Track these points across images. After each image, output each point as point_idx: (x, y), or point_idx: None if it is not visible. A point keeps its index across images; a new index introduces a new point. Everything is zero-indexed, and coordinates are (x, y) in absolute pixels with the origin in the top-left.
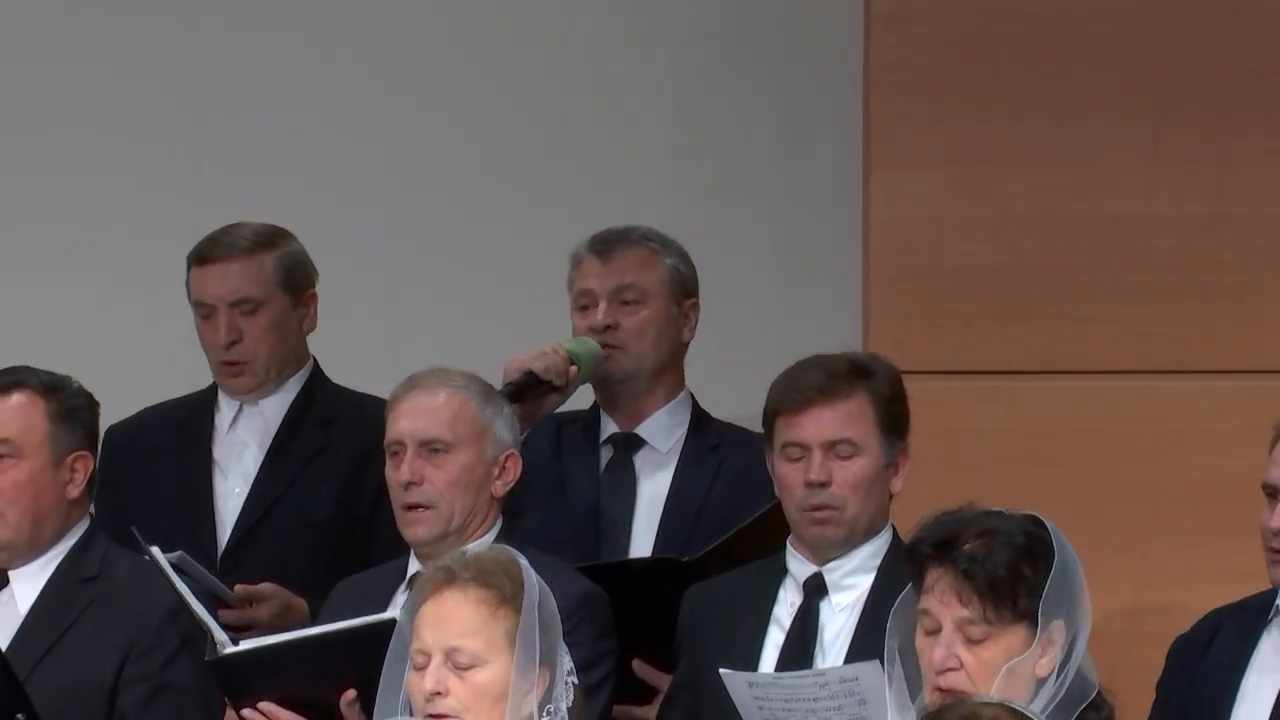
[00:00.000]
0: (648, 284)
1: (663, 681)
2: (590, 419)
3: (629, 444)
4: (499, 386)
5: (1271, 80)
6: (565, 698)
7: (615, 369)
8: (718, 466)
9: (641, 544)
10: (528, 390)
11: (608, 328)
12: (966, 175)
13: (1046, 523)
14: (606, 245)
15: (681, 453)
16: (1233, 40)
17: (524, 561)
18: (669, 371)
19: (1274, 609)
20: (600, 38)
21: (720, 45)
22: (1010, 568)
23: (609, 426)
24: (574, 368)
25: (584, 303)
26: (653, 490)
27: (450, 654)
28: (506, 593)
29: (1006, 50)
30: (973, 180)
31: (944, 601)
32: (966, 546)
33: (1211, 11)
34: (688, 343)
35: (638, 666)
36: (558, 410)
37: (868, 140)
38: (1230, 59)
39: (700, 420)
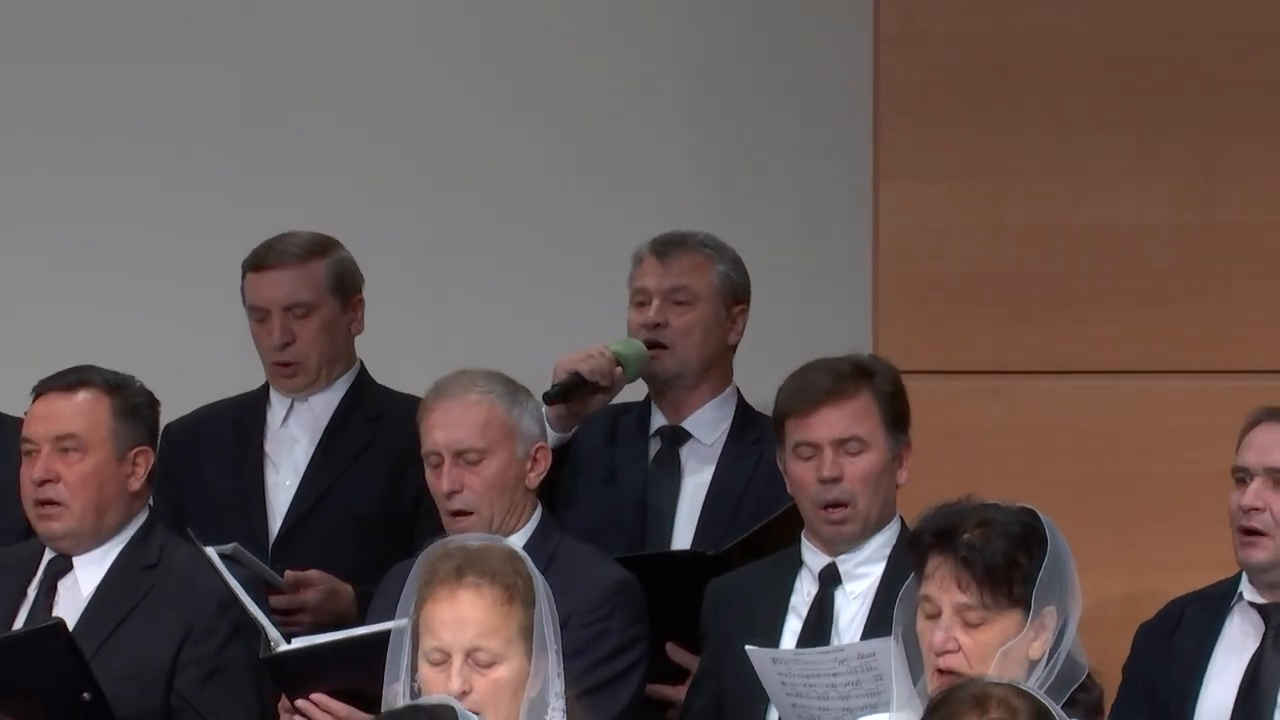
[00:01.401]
0: (699, 287)
1: (694, 664)
2: (643, 411)
3: (675, 437)
4: (544, 386)
5: (1257, 97)
6: (563, 677)
7: (660, 368)
8: (758, 459)
9: (684, 532)
10: (573, 390)
11: (657, 325)
12: (970, 187)
13: (1040, 514)
14: (665, 248)
15: (725, 446)
16: (1220, 60)
17: (525, 554)
18: (715, 370)
19: (1237, 595)
20: (628, 60)
21: (740, 66)
22: (1006, 556)
23: (658, 419)
24: (619, 369)
25: (639, 299)
26: (697, 481)
27: (471, 653)
28: (516, 589)
29: (1007, 69)
30: (976, 191)
31: (944, 587)
32: (965, 536)
33: (1201, 33)
34: (735, 345)
35: (671, 650)
36: (613, 402)
37: (877, 153)
38: (1218, 77)
39: (745, 416)
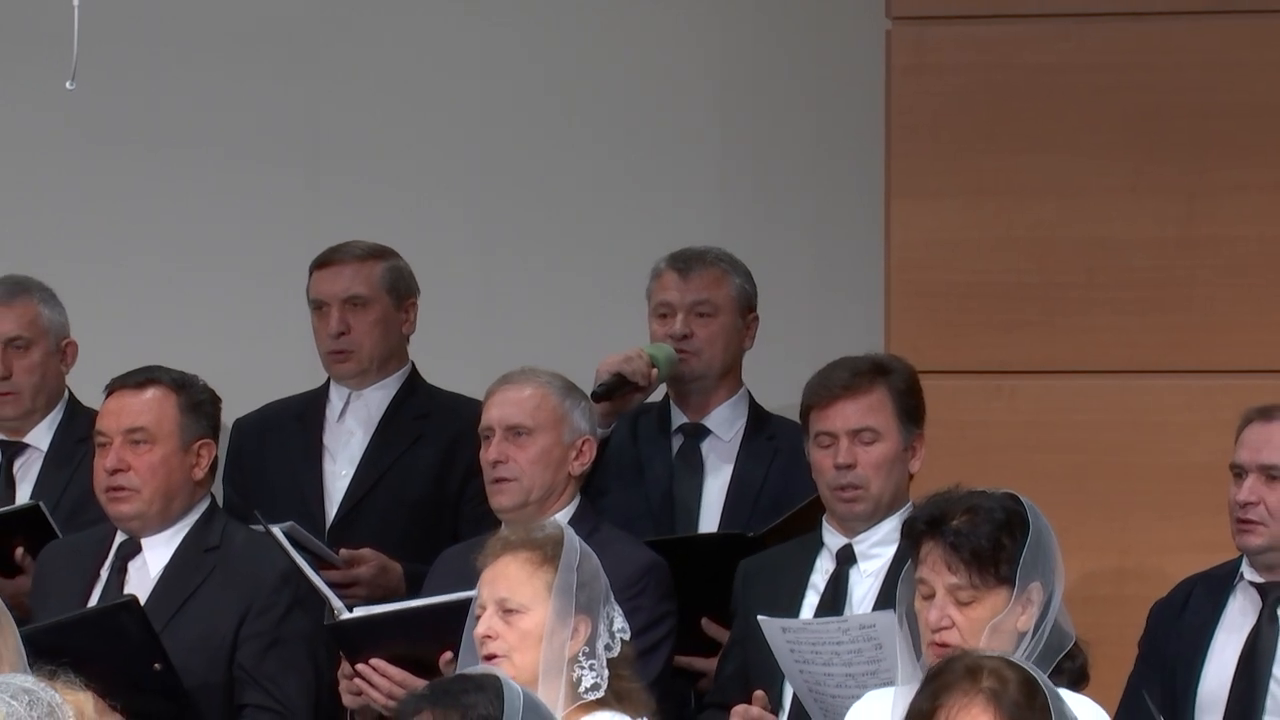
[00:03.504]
0: (719, 299)
1: (725, 637)
2: (662, 410)
3: (696, 433)
4: (585, 385)
5: (1236, 123)
6: (612, 649)
7: (687, 371)
8: (773, 454)
9: (710, 519)
10: (616, 389)
11: (684, 336)
12: (974, 204)
13: (1023, 499)
14: (686, 264)
15: (742, 441)
16: (1203, 89)
17: (570, 531)
18: (731, 373)
19: (1239, 575)
20: (666, 89)
21: (763, 93)
22: (991, 539)
23: (679, 417)
24: (654, 370)
25: (663, 312)
26: (718, 475)
27: (500, 604)
28: (549, 552)
29: (1008, 97)
30: (980, 208)
31: (936, 570)
32: (954, 522)
33: (1186, 64)
34: (748, 349)
35: (706, 625)
36: None
37: (889, 173)
38: (1201, 105)
39: (758, 414)
